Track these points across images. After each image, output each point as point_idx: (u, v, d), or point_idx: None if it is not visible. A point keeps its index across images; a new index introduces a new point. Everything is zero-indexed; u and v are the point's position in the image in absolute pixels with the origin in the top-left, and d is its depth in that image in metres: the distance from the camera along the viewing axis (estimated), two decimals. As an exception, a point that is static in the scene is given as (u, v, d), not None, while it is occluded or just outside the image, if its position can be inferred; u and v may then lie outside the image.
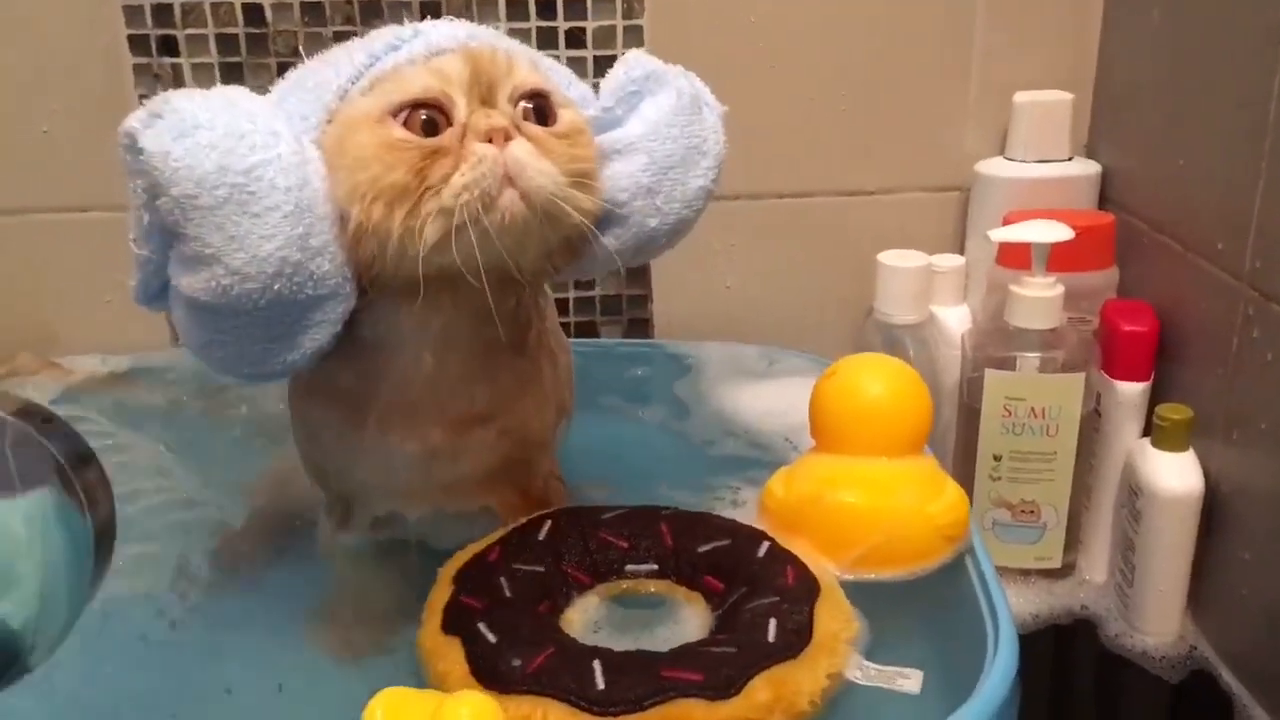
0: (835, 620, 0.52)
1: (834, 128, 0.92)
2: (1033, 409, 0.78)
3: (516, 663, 0.48)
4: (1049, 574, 0.82)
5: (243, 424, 0.79)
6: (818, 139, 0.92)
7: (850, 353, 0.93)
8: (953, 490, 0.59)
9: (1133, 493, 0.76)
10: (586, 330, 0.95)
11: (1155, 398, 0.79)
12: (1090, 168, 0.89)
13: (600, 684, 0.47)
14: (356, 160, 0.49)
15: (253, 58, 0.86)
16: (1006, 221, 0.82)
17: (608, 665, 0.48)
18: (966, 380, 0.81)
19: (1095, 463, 0.82)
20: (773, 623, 0.50)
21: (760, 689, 0.47)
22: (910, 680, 0.50)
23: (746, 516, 0.61)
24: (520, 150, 0.49)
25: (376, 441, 0.57)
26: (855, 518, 0.58)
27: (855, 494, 0.58)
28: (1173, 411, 0.74)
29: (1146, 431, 0.78)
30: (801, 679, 0.48)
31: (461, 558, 0.57)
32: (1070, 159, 0.89)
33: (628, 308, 0.95)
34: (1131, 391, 0.79)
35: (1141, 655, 0.76)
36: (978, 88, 0.91)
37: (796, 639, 0.50)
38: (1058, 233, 0.75)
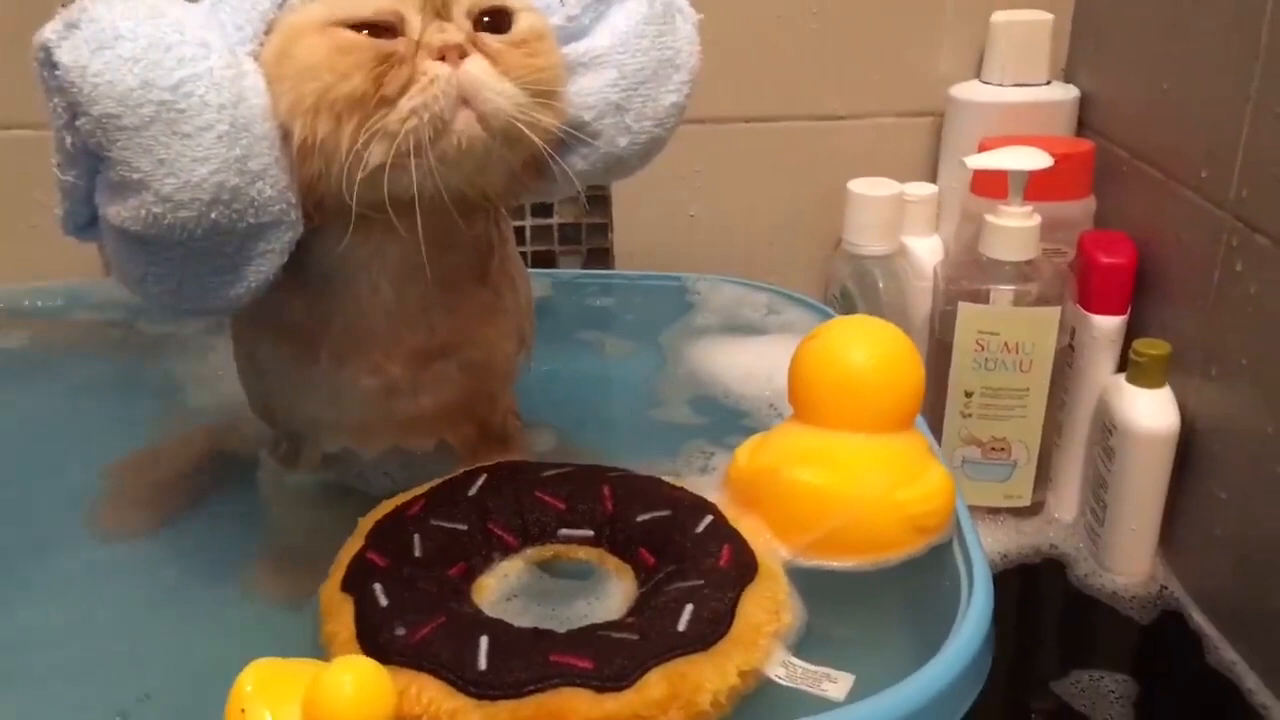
0: (761, 611, 0.47)
1: (802, 49, 0.88)
2: (1006, 343, 0.75)
3: (400, 631, 0.44)
4: (1018, 512, 0.81)
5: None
6: (785, 60, 0.88)
7: (817, 285, 0.92)
8: (936, 477, 0.53)
9: (1106, 430, 0.74)
10: (544, 260, 0.91)
11: (1132, 332, 0.76)
12: (1069, 92, 0.86)
13: (482, 664, 0.43)
14: (305, 69, 0.45)
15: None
16: (983, 148, 0.78)
17: (496, 643, 0.44)
18: (938, 314, 0.79)
19: (1068, 399, 0.80)
20: (688, 609, 0.46)
21: (655, 683, 0.42)
22: (836, 684, 0.45)
23: (711, 485, 0.56)
24: (476, 68, 0.45)
25: (330, 376, 0.54)
26: (811, 498, 0.53)
27: (814, 472, 0.53)
28: (1150, 347, 0.72)
29: (1122, 367, 0.76)
30: (705, 675, 0.43)
31: (385, 508, 0.53)
32: (1048, 83, 0.86)
33: (587, 237, 0.91)
34: (1108, 326, 0.76)
35: (1111, 595, 0.74)
36: (953, 7, 0.87)
37: (710, 629, 0.45)
38: (1037, 160, 0.72)
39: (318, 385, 0.54)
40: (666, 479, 0.56)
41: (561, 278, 0.87)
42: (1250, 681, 0.66)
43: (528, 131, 0.47)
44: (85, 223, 0.48)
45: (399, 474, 0.58)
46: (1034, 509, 0.81)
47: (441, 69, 0.45)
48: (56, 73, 0.42)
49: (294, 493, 0.61)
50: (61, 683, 0.49)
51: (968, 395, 0.77)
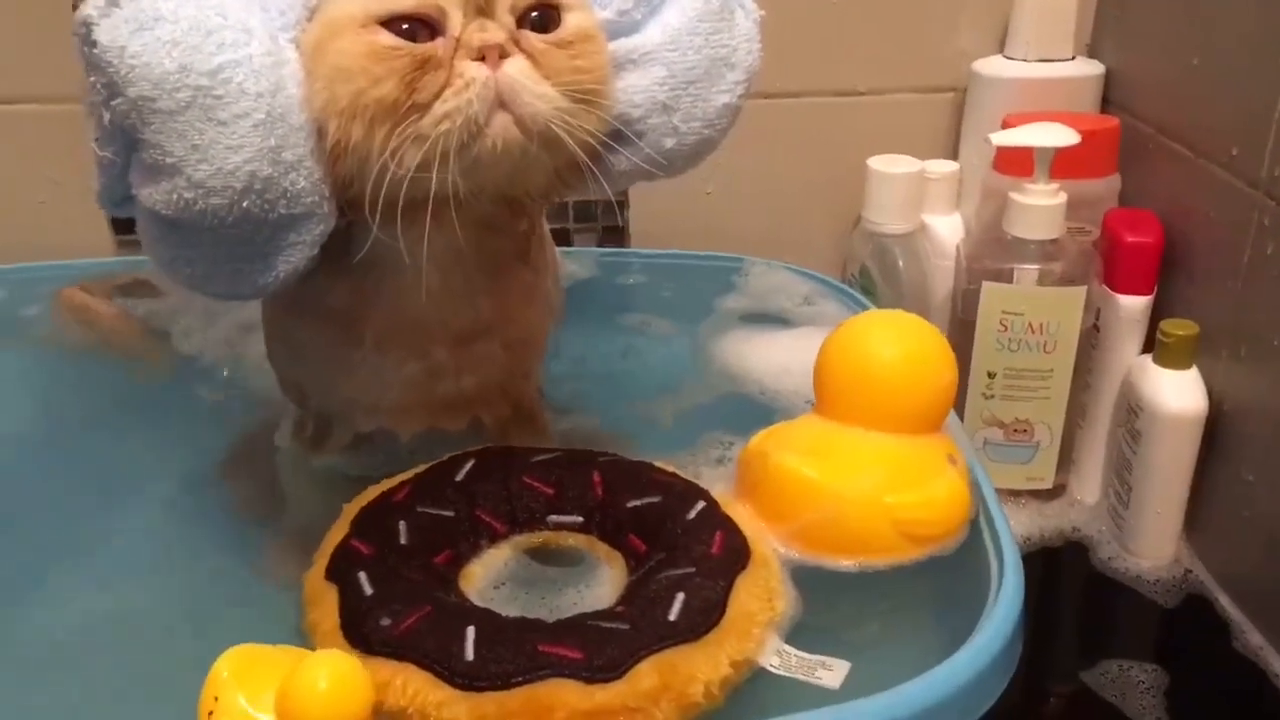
0: (755, 599, 0.46)
1: (822, 23, 0.86)
2: (1030, 324, 0.74)
3: (385, 622, 0.43)
4: (1040, 495, 0.79)
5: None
6: (804, 36, 0.86)
7: (836, 263, 0.90)
8: (941, 487, 0.51)
9: (1132, 411, 0.73)
10: (559, 238, 0.90)
11: (1158, 313, 0.75)
12: (1094, 68, 0.85)
13: (469, 655, 0.42)
14: (337, 70, 0.44)
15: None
16: (1006, 125, 0.77)
17: (483, 633, 0.43)
18: (960, 293, 0.77)
19: (1092, 380, 0.78)
20: (679, 598, 0.45)
21: (646, 674, 0.42)
22: (832, 672, 0.44)
23: (726, 477, 0.55)
24: (515, 70, 0.44)
25: (373, 360, 0.53)
26: (791, 486, 0.51)
27: (800, 460, 0.51)
28: (1177, 327, 0.71)
29: (1148, 348, 0.74)
30: (697, 665, 0.43)
31: (370, 494, 0.52)
32: (1073, 58, 0.84)
33: (602, 214, 0.90)
34: (1133, 306, 0.75)
35: (1135, 579, 0.73)
36: (976, -20, 0.86)
37: (702, 619, 0.44)
38: (1063, 136, 0.71)
39: (359, 368, 0.54)
40: (669, 467, 0.55)
41: (605, 256, 0.87)
42: (1279, 665, 0.65)
43: (566, 137, 0.46)
44: (122, 198, 0.48)
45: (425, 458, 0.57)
46: (1056, 491, 0.80)
47: (479, 71, 0.44)
48: (95, 51, 0.41)
49: (311, 476, 0.60)
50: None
51: (990, 376, 0.76)
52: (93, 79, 0.43)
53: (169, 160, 0.42)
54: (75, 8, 0.43)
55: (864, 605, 0.50)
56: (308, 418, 0.60)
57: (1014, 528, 0.76)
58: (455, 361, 0.54)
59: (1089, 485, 0.80)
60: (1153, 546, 0.74)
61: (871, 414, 0.52)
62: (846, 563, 0.50)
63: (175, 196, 0.43)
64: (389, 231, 0.46)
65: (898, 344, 0.53)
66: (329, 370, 0.55)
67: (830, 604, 0.49)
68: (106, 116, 0.43)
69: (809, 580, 0.49)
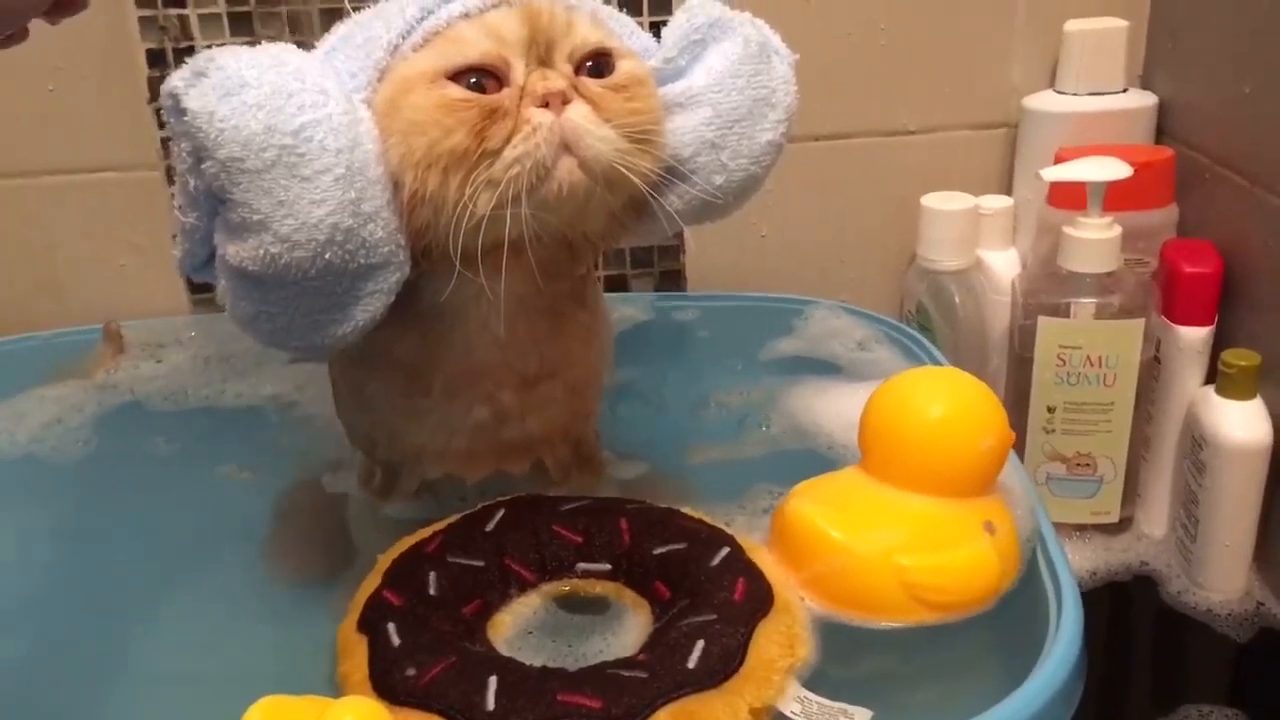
0: (775, 645, 0.46)
1: (872, 64, 0.87)
2: (1089, 357, 0.74)
3: (410, 672, 0.44)
4: (1106, 529, 0.79)
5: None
6: (855, 76, 0.87)
7: (892, 302, 0.91)
8: (964, 555, 0.49)
9: (1196, 444, 0.72)
10: (617, 284, 0.92)
11: (1219, 343, 0.74)
12: (1146, 99, 0.84)
13: (490, 705, 0.42)
14: (411, 124, 0.46)
15: (262, 6, 0.82)
16: (1058, 159, 0.77)
17: (504, 683, 0.43)
18: (1017, 328, 0.77)
19: (1154, 412, 0.78)
20: (699, 645, 0.45)
21: None
22: None
23: (766, 527, 0.55)
24: (578, 115, 0.47)
25: (442, 407, 0.55)
26: (805, 535, 0.51)
27: (815, 510, 0.51)
28: (1239, 357, 0.70)
29: (1210, 379, 0.74)
30: (716, 712, 0.42)
31: (402, 545, 0.53)
32: (1125, 90, 0.84)
33: (659, 259, 0.92)
34: (1194, 337, 0.75)
35: (1206, 613, 0.72)
36: (1025, 16, 0.86)
37: (722, 666, 0.44)
38: (1115, 170, 0.71)
39: (428, 415, 0.56)
40: (697, 513, 0.55)
41: (660, 300, 0.88)
42: (1356, 701, 0.64)
43: (629, 175, 0.48)
44: (202, 263, 0.50)
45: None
46: (1123, 525, 0.79)
47: (545, 116, 0.46)
48: (184, 118, 0.44)
49: (378, 523, 0.61)
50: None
51: (1050, 411, 0.76)
52: (181, 146, 0.45)
53: (256, 217, 0.44)
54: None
55: (900, 655, 0.49)
56: (374, 466, 0.62)
57: (1080, 562, 0.76)
58: (521, 405, 0.56)
59: (1156, 518, 0.80)
60: (1222, 579, 0.73)
61: (906, 473, 0.52)
62: (855, 620, 0.49)
63: (262, 252, 0.45)
64: (457, 280, 0.48)
65: (936, 405, 0.52)
66: (398, 419, 0.57)
67: (865, 653, 0.48)
68: (193, 182, 0.45)
69: (844, 629, 0.49)
